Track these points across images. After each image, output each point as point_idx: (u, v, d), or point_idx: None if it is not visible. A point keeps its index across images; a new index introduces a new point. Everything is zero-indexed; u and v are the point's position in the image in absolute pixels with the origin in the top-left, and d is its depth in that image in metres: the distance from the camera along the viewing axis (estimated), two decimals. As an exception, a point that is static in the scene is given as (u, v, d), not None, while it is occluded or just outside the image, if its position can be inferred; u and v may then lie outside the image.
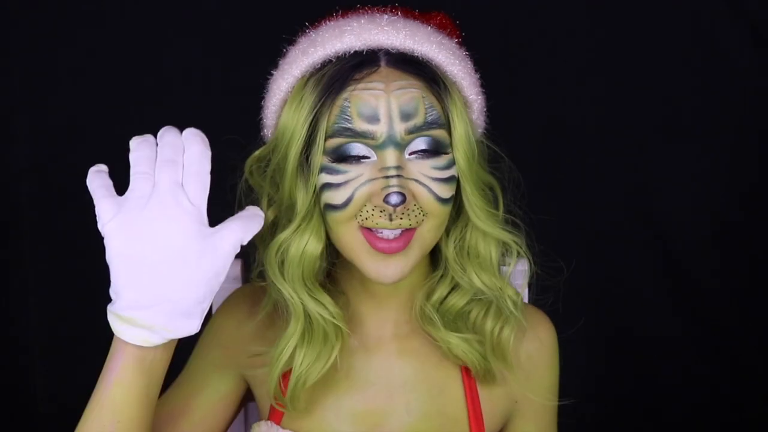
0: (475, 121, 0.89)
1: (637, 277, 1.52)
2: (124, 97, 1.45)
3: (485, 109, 0.92)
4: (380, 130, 0.83)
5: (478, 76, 0.90)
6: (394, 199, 0.81)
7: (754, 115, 1.46)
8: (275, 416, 0.94)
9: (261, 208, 0.87)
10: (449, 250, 0.92)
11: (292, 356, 0.90)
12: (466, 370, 0.94)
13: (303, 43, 0.88)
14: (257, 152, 0.90)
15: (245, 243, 0.79)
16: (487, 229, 0.89)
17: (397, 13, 0.88)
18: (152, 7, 1.43)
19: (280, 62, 0.89)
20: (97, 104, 1.45)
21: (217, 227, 0.79)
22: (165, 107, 1.44)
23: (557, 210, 1.44)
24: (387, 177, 0.82)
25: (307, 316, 0.89)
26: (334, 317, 0.89)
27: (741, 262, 1.51)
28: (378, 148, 0.83)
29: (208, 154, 0.81)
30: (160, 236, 0.76)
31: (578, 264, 1.45)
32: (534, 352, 0.97)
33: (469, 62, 0.90)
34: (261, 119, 0.92)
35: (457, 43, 0.91)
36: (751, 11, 1.43)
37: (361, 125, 0.83)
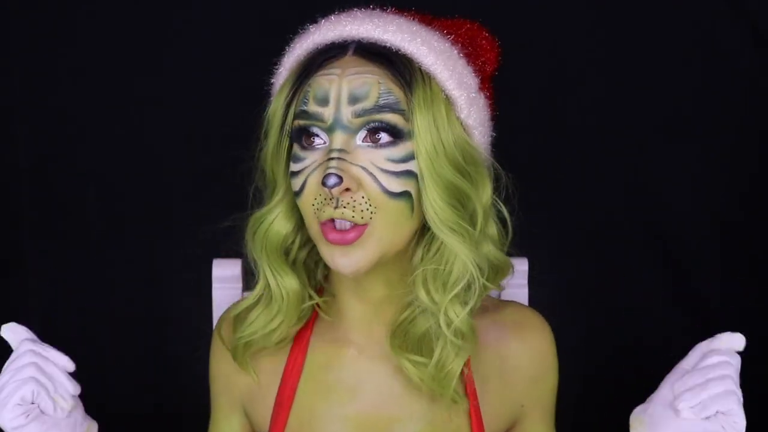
0: (464, 119, 0.87)
1: (637, 277, 1.52)
2: (124, 97, 1.45)
3: (487, 110, 0.91)
4: (328, 112, 0.83)
5: (469, 73, 0.89)
6: (329, 180, 0.80)
7: (755, 115, 1.46)
8: (277, 427, 0.94)
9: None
10: (417, 253, 0.89)
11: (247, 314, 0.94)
12: (468, 378, 0.94)
13: (295, 39, 0.90)
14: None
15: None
16: (443, 236, 0.85)
17: (389, 10, 0.89)
18: (152, 7, 1.43)
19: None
20: (97, 104, 1.45)
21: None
22: (165, 107, 1.45)
23: (557, 210, 1.45)
24: (329, 159, 0.82)
25: (268, 284, 0.92)
26: (289, 303, 0.91)
27: (741, 262, 1.51)
28: (329, 131, 0.84)
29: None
30: None
31: (578, 264, 1.46)
32: (533, 356, 0.97)
33: (454, 56, 0.87)
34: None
35: (482, 50, 0.91)
36: (751, 11, 1.43)
37: (313, 107, 0.84)
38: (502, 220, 0.91)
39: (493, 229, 0.90)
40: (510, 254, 0.94)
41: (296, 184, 0.85)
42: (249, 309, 0.94)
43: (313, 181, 0.84)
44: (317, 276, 0.97)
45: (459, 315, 0.87)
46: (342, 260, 0.84)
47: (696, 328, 1.52)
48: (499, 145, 0.93)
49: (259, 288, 0.93)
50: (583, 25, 1.46)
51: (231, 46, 1.43)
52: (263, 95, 0.94)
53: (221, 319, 1.01)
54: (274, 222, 0.90)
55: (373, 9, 0.89)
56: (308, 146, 0.85)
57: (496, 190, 0.90)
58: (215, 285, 1.14)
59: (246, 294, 1.12)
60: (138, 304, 1.49)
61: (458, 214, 0.85)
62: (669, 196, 1.49)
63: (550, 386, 0.99)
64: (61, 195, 1.47)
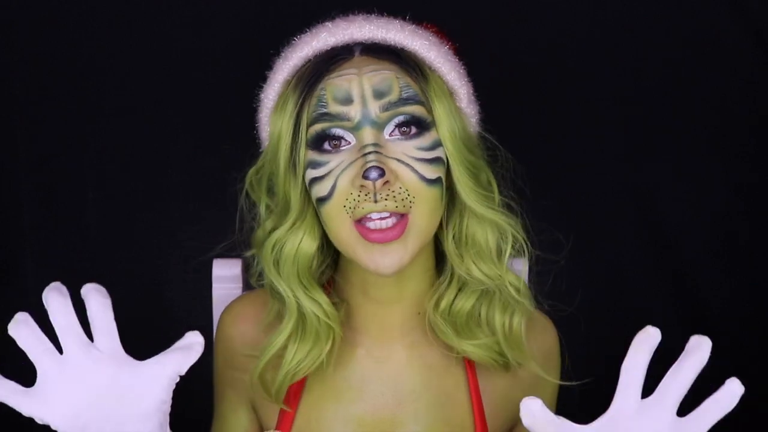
0: (464, 109, 0.89)
1: (637, 278, 1.52)
2: (124, 97, 1.44)
3: (477, 101, 0.93)
4: (354, 110, 0.83)
5: (461, 65, 0.91)
6: (372, 174, 0.80)
7: (754, 114, 1.46)
8: (284, 426, 0.94)
9: (260, 219, 0.91)
10: (448, 243, 0.91)
11: (282, 351, 0.91)
12: (470, 371, 0.94)
13: (286, 50, 0.90)
14: (255, 165, 0.91)
15: (183, 373, 0.79)
16: (479, 210, 0.88)
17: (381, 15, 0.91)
18: (153, 7, 1.43)
19: (269, 74, 0.91)
20: (97, 104, 1.45)
21: (153, 359, 0.79)
22: (165, 107, 1.45)
23: (557, 210, 1.45)
24: (365, 155, 0.82)
25: (301, 313, 0.90)
26: (328, 317, 0.90)
27: (741, 262, 1.51)
28: (355, 129, 0.83)
29: (107, 302, 0.79)
30: (89, 390, 0.76)
31: (578, 264, 1.46)
32: (537, 356, 0.97)
33: (449, 51, 0.90)
34: (256, 133, 0.93)
35: (451, 49, 0.92)
36: (752, 11, 1.43)
37: (335, 108, 0.83)
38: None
39: (498, 198, 0.93)
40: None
41: (323, 188, 0.84)
42: (281, 349, 0.92)
43: (346, 179, 0.83)
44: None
45: (519, 279, 0.92)
46: (383, 260, 0.84)
47: (696, 329, 1.52)
48: (495, 142, 0.94)
49: (292, 323, 0.90)
50: (582, 26, 1.46)
51: (231, 46, 1.43)
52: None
53: (224, 315, 1.01)
54: (302, 242, 0.88)
55: (367, 14, 0.90)
56: (333, 149, 0.84)
57: (502, 183, 0.92)
58: (215, 285, 1.14)
59: (247, 294, 1.12)
60: (138, 304, 1.49)
61: (482, 187, 0.88)
62: (669, 196, 1.49)
63: (552, 388, 0.99)
64: (61, 195, 1.47)
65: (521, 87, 1.42)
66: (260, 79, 0.94)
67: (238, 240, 0.95)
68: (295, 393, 0.94)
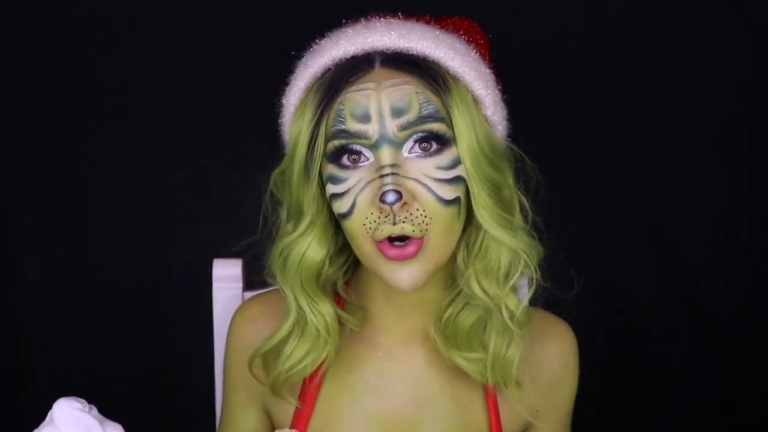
0: (490, 117, 0.88)
1: (638, 278, 1.52)
2: (124, 97, 1.44)
3: (504, 106, 0.92)
4: (372, 128, 0.82)
5: (489, 71, 0.89)
6: (389, 197, 0.79)
7: (755, 114, 1.46)
8: (300, 424, 0.93)
9: (281, 219, 0.90)
10: (459, 251, 0.89)
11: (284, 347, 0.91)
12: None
13: (306, 56, 0.88)
14: (279, 167, 0.90)
15: None
16: (495, 232, 0.86)
17: (399, 17, 0.88)
18: (153, 7, 1.43)
19: (290, 78, 0.90)
20: (97, 104, 1.45)
21: None
22: (165, 106, 1.45)
23: (557, 210, 1.44)
24: (382, 176, 0.81)
25: (302, 314, 0.90)
26: (327, 332, 0.89)
27: (742, 262, 1.51)
28: (373, 148, 0.82)
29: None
30: None
31: (578, 264, 1.46)
32: (554, 363, 0.97)
33: (476, 57, 0.88)
34: (280, 136, 0.93)
35: (478, 46, 0.90)
36: (752, 11, 1.43)
37: (353, 126, 0.82)
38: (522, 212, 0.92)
39: (519, 216, 0.90)
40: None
41: (343, 205, 0.83)
42: (282, 342, 0.91)
43: (365, 199, 0.82)
44: (337, 288, 0.95)
45: (518, 306, 0.88)
46: (402, 274, 0.83)
47: (696, 329, 1.53)
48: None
49: (292, 320, 0.90)
50: (582, 25, 1.46)
51: (232, 46, 1.43)
52: (264, 95, 0.94)
53: (238, 315, 1.00)
54: (308, 250, 0.88)
55: (387, 16, 0.88)
56: (352, 165, 0.83)
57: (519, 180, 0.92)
58: (215, 285, 1.14)
59: (247, 294, 1.12)
60: (138, 305, 1.49)
61: (501, 207, 0.86)
62: (669, 196, 1.49)
63: (567, 394, 0.99)
64: (61, 195, 1.47)
65: (521, 87, 1.42)
66: (260, 79, 0.94)
67: (260, 240, 0.94)
68: (311, 392, 0.94)
